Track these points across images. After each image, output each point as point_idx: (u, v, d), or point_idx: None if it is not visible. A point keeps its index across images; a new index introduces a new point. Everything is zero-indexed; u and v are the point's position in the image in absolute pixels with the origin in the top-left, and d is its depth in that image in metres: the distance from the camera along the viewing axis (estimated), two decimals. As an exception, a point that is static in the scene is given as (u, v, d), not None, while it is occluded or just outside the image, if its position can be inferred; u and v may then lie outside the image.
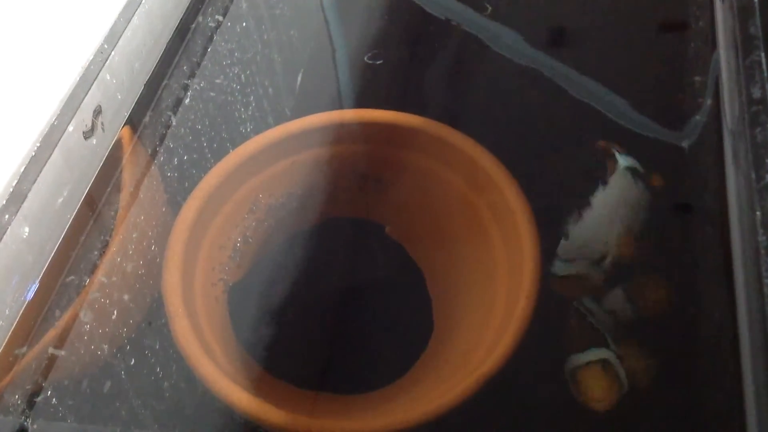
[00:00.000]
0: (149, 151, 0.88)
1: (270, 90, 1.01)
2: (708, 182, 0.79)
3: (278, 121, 0.88)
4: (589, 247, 0.76)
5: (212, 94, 0.96)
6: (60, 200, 0.75)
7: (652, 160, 0.88)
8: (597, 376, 0.69)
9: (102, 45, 0.82)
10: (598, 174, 0.79)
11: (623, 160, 0.77)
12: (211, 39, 1.01)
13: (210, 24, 1.02)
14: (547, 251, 0.75)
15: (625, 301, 0.72)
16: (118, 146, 0.84)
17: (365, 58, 1.05)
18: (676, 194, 0.84)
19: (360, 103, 1.02)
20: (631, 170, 0.77)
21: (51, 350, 0.71)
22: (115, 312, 0.76)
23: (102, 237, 0.79)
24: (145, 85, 0.90)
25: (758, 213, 0.59)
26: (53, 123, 0.75)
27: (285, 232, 0.90)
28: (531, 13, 1.12)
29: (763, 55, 0.70)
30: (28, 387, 0.69)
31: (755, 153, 0.63)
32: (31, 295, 0.71)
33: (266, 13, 1.11)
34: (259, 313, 0.85)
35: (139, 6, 0.87)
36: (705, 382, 0.69)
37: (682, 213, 0.84)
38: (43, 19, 0.78)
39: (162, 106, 0.91)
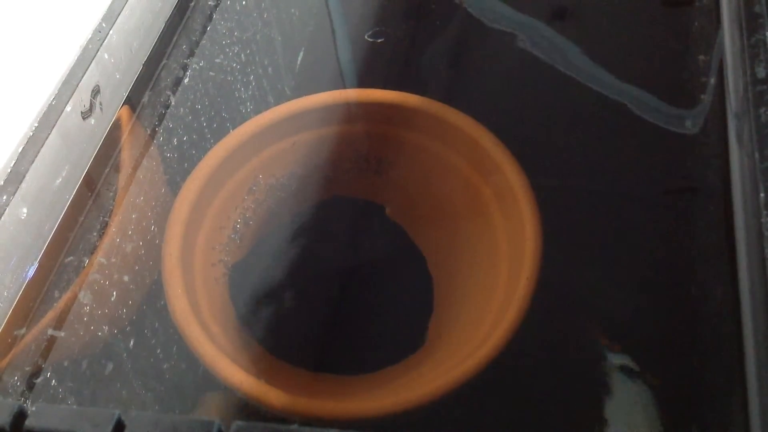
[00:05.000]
0: (148, 131, 0.87)
1: (270, 69, 1.00)
2: (712, 162, 0.78)
3: (278, 101, 0.87)
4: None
5: (212, 73, 0.95)
6: (58, 181, 0.75)
7: (654, 140, 0.87)
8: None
9: (100, 24, 0.82)
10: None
11: (616, 359, 0.75)
12: (210, 17, 1.00)
13: (209, 2, 1.01)
14: (548, 233, 0.74)
15: None
16: (116, 126, 0.84)
17: (366, 37, 1.04)
18: (680, 175, 0.83)
19: (361, 82, 1.01)
20: (626, 370, 0.75)
21: (50, 331, 0.71)
22: (115, 293, 0.76)
23: (101, 218, 0.79)
24: (143, 64, 0.89)
25: (762, 194, 0.59)
26: (51, 103, 0.74)
27: (285, 213, 0.90)
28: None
29: (768, 33, 0.69)
30: (27, 368, 0.69)
31: (759, 133, 0.63)
32: (29, 276, 0.71)
33: (266, -9, 1.10)
34: (259, 293, 0.84)
35: (137, -16, 0.87)
36: (707, 363, 0.69)
37: (686, 194, 0.83)
38: (39, -2, 0.78)
39: (161, 86, 0.90)
